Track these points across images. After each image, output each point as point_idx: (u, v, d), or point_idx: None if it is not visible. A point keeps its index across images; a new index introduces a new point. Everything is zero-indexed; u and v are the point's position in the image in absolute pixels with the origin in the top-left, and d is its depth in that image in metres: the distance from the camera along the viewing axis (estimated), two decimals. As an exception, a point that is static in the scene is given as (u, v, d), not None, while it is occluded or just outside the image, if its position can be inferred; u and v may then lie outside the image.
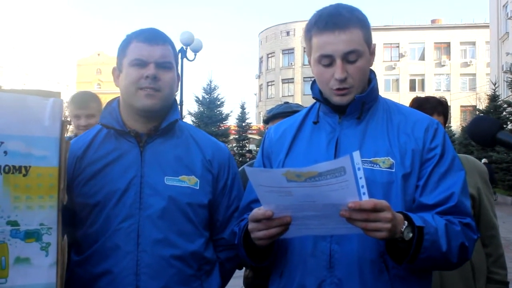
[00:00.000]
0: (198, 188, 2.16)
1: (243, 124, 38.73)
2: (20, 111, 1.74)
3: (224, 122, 35.92)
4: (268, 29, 66.96)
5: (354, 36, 1.91)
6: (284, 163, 2.05)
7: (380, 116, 2.02)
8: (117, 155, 2.14)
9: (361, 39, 1.93)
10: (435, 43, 55.87)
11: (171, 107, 2.22)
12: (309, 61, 2.06)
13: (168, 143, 2.19)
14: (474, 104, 42.58)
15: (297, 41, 63.15)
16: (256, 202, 2.06)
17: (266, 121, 3.38)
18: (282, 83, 64.34)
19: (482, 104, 30.84)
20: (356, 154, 1.58)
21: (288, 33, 64.35)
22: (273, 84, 65.51)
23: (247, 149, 36.97)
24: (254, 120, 59.92)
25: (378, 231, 1.65)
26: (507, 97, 27.02)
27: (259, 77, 69.52)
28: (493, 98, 25.58)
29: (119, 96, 2.25)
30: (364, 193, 1.60)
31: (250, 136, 39.01)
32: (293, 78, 63.45)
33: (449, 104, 3.37)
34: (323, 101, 2.04)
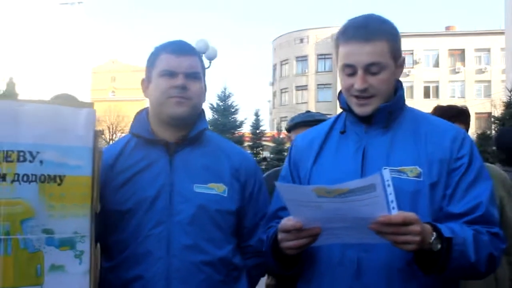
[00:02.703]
0: (226, 195, 2.20)
1: (257, 131, 38.71)
2: (55, 121, 1.79)
3: (238, 129, 35.96)
4: (282, 36, 67.07)
5: (378, 48, 1.92)
6: (311, 171, 2.07)
7: (407, 125, 2.03)
8: (147, 163, 2.19)
9: (386, 51, 1.94)
10: (449, 50, 55.60)
11: (199, 116, 2.27)
12: (338, 69, 2.08)
13: (197, 151, 2.24)
14: (489, 111, 42.31)
15: (311, 48, 63.21)
16: (283, 209, 2.08)
17: (289, 130, 3.42)
18: (296, 90, 64.37)
19: (498, 111, 30.59)
20: (386, 172, 1.62)
21: (301, 40, 64.42)
22: (287, 91, 65.55)
23: (262, 156, 36.96)
24: (268, 127, 59.90)
25: (407, 243, 1.66)
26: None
27: (272, 84, 69.57)
28: (509, 105, 25.34)
29: (147, 107, 2.31)
30: (393, 208, 1.62)
31: (264, 143, 38.98)
32: (306, 85, 63.46)
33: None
34: (350, 111, 2.05)
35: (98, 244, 1.86)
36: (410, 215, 1.65)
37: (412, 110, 2.11)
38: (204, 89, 2.27)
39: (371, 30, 1.93)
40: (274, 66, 68.54)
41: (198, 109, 2.26)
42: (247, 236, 2.31)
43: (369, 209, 1.62)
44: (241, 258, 2.28)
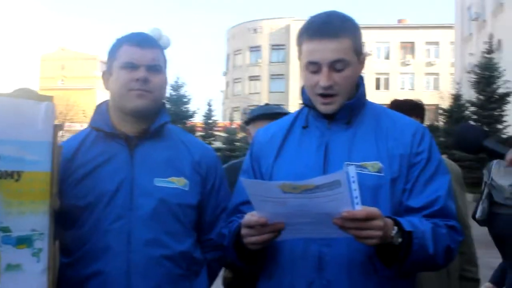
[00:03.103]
0: (187, 189, 2.19)
1: (209, 121, 38.65)
2: (13, 115, 1.73)
3: (190, 119, 35.79)
4: (236, 26, 66.94)
5: (342, 45, 1.93)
6: (273, 166, 2.07)
7: (368, 121, 2.05)
8: (106, 157, 2.15)
9: (350, 48, 1.95)
10: (400, 42, 56.67)
11: (160, 110, 2.24)
12: (300, 66, 2.08)
13: (158, 145, 2.21)
14: (437, 103, 43.44)
15: (264, 39, 63.29)
16: (244, 204, 2.08)
17: (247, 123, 3.39)
18: (249, 80, 64.41)
19: (446, 103, 31.37)
20: (352, 168, 1.64)
21: (255, 30, 64.43)
22: (240, 81, 65.55)
23: (214, 146, 36.95)
24: (220, 117, 59.87)
25: (370, 238, 1.69)
26: (469, 97, 27.59)
27: (225, 74, 69.42)
28: (457, 97, 26.08)
29: (108, 100, 2.26)
30: (357, 203, 1.64)
31: (216, 133, 38.95)
32: (259, 76, 63.58)
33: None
34: (312, 106, 2.06)
35: (57, 242, 1.81)
36: (373, 210, 1.68)
37: (373, 106, 2.13)
38: (165, 82, 2.24)
39: (335, 27, 1.93)
40: (228, 56, 68.39)
41: (160, 102, 2.22)
42: (207, 229, 2.30)
43: (334, 205, 1.63)
44: (201, 252, 2.27)
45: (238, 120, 44.74)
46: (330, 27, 1.93)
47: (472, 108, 25.05)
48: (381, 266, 1.87)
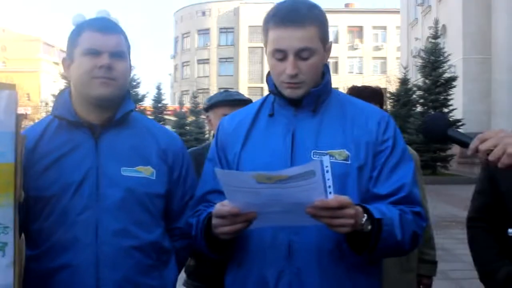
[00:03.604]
0: (154, 178, 2.15)
1: (159, 105, 38.20)
2: (-28, 105, 1.65)
3: (140, 103, 35.29)
4: (184, 8, 66.23)
5: (308, 34, 1.93)
6: (240, 155, 2.06)
7: (334, 109, 2.06)
8: (71, 146, 2.09)
9: (316, 36, 1.95)
10: (348, 26, 57.28)
11: (124, 97, 2.19)
12: (265, 52, 2.07)
13: (123, 133, 2.16)
14: (384, 87, 44.29)
15: (213, 22, 62.88)
16: (211, 193, 2.08)
17: (206, 109, 3.37)
18: (198, 63, 63.99)
19: (392, 87, 31.97)
20: (326, 158, 1.66)
21: (203, 13, 63.92)
22: (189, 65, 65.06)
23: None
24: (169, 100, 59.31)
25: (342, 226, 1.71)
26: (416, 81, 28.17)
27: (174, 57, 68.71)
28: (404, 81, 26.58)
29: (69, 87, 2.19)
30: (330, 193, 1.66)
31: (166, 117, 38.55)
32: (208, 59, 63.25)
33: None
34: (278, 94, 2.05)
35: (23, 235, 1.75)
36: (345, 199, 1.70)
37: (338, 94, 2.14)
38: (129, 69, 2.18)
39: (302, 15, 1.93)
40: (176, 39, 67.67)
41: (124, 89, 2.16)
42: (175, 218, 2.28)
43: (307, 194, 1.64)
44: (169, 241, 2.24)
45: (187, 104, 44.44)
46: (296, 14, 1.92)
47: (419, 92, 25.58)
48: (349, 253, 1.90)
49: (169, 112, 40.40)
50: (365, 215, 1.79)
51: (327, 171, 1.63)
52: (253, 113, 2.14)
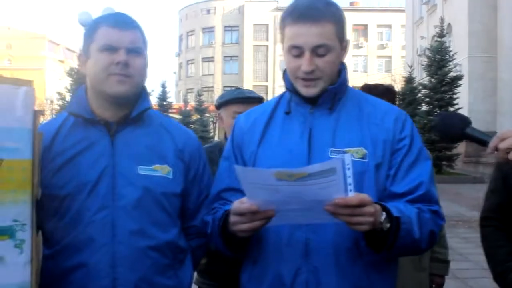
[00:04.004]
0: (171, 177, 2.12)
1: (164, 103, 38.25)
2: (-10, 100, 1.64)
3: (144, 101, 35.32)
4: (188, 6, 66.19)
5: (325, 30, 1.92)
6: (257, 153, 2.05)
7: (350, 107, 2.05)
8: (86, 144, 2.06)
9: (333, 34, 1.94)
10: (353, 25, 57.15)
11: (141, 94, 2.16)
12: (282, 49, 2.06)
13: (139, 131, 2.13)
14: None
15: (218, 20, 62.85)
16: (226, 191, 2.07)
17: (218, 107, 3.36)
18: (202, 61, 63.98)
19: (398, 86, 31.89)
20: (347, 156, 1.65)
21: (208, 11, 63.88)
22: (193, 63, 65.05)
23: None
24: (174, 99, 59.35)
25: (361, 224, 1.70)
26: (421, 79, 28.11)
27: (179, 55, 68.70)
28: (409, 80, 26.52)
29: (84, 84, 2.16)
30: (351, 190, 1.65)
31: (171, 115, 38.60)
32: (213, 57, 63.23)
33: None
34: (294, 92, 2.04)
35: (40, 232, 1.74)
36: (365, 196, 1.69)
37: (354, 92, 2.13)
38: (146, 65, 2.14)
39: (319, 11, 1.91)
40: (181, 37, 67.67)
41: (141, 87, 2.13)
42: (190, 217, 2.25)
43: (327, 192, 1.63)
44: (185, 239, 2.22)
45: (192, 102, 44.46)
46: (314, 11, 1.91)
47: (424, 91, 25.54)
48: (367, 251, 1.89)
49: (174, 110, 40.48)
50: (384, 213, 1.78)
51: (348, 169, 1.63)
52: (269, 111, 2.12)
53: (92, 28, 2.09)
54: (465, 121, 1.85)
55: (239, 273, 2.12)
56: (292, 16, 1.94)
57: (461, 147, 24.20)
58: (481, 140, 1.80)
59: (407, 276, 3.06)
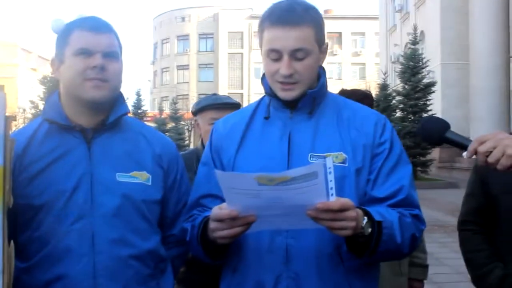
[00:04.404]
0: (150, 184, 2.06)
1: (139, 111, 38.01)
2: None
3: (119, 109, 35.08)
4: (163, 14, 66.12)
5: (304, 34, 1.90)
6: (236, 158, 2.02)
7: (330, 111, 2.03)
8: (62, 151, 1.99)
9: (312, 37, 1.92)
10: (327, 32, 57.22)
11: (117, 100, 2.10)
12: (261, 53, 2.03)
13: (116, 137, 2.07)
14: (364, 92, 44.56)
15: (193, 27, 62.86)
16: (205, 197, 2.03)
17: (195, 113, 3.33)
18: (177, 69, 63.86)
19: (372, 93, 32.09)
20: (329, 160, 1.63)
21: (183, 19, 63.88)
22: (168, 71, 64.91)
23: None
24: (149, 107, 59.04)
25: (343, 229, 1.68)
26: (395, 86, 28.37)
27: (153, 63, 68.45)
28: (383, 87, 26.74)
29: (58, 89, 2.10)
30: (332, 195, 1.63)
31: (146, 123, 38.34)
32: (188, 65, 63.20)
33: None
34: (274, 96, 2.02)
35: (12, 242, 1.67)
36: (347, 201, 1.67)
37: (334, 96, 2.12)
38: (122, 70, 2.08)
39: (297, 15, 1.90)
40: (155, 44, 67.47)
41: (117, 91, 2.08)
42: (169, 225, 2.20)
43: (308, 196, 1.61)
44: (165, 248, 2.16)
45: (167, 110, 44.28)
46: (292, 15, 1.89)
47: (398, 97, 25.76)
48: (347, 256, 1.87)
49: (148, 118, 40.30)
50: (365, 217, 1.76)
51: (330, 173, 1.60)
52: (248, 116, 2.10)
53: (66, 31, 2.03)
54: (445, 125, 1.86)
55: (218, 281, 2.09)
56: (271, 19, 1.92)
57: (435, 153, 24.45)
58: (460, 144, 1.80)
59: (386, 281, 3.05)
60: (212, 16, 62.27)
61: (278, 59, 1.92)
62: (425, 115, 23.87)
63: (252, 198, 1.63)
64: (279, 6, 1.94)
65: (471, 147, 1.73)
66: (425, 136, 1.92)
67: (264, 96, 2.12)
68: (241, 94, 57.04)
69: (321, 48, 1.99)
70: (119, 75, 2.06)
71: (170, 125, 38.46)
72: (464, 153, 1.78)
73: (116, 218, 1.97)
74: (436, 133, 1.85)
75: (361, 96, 3.32)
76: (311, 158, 1.91)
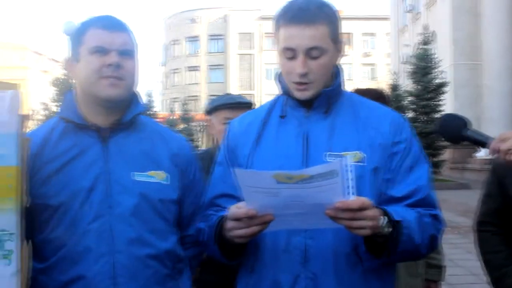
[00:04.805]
0: (168, 183, 2.05)
1: (150, 112, 38.14)
2: (-27, 105, 1.57)
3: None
4: (173, 16, 66.29)
5: (319, 32, 1.88)
6: (251, 157, 2.00)
7: (346, 110, 2.01)
8: (78, 151, 1.98)
9: (327, 36, 1.90)
10: (338, 33, 57.43)
11: (133, 98, 2.09)
12: (277, 51, 2.02)
13: (132, 137, 2.05)
14: (374, 93, 44.50)
15: (202, 29, 62.99)
16: (221, 197, 2.02)
17: (208, 113, 3.31)
18: (188, 70, 64.00)
19: (383, 93, 31.95)
20: (348, 158, 1.62)
21: (193, 20, 64.04)
22: (178, 72, 65.05)
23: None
24: (160, 108, 59.22)
25: (362, 228, 1.65)
26: (406, 86, 28.25)
27: (164, 64, 68.64)
28: (395, 87, 26.66)
29: (74, 89, 2.09)
30: (352, 193, 1.60)
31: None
32: (198, 66, 63.33)
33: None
34: (289, 95, 2.00)
35: (30, 242, 1.66)
36: (366, 200, 1.65)
37: (350, 95, 2.10)
38: (137, 68, 2.07)
39: (312, 13, 1.88)
40: (165, 46, 67.63)
41: (132, 90, 2.06)
42: (185, 225, 2.18)
43: (327, 195, 1.59)
44: (182, 248, 2.14)
45: (178, 111, 44.40)
46: (307, 13, 1.87)
47: (410, 98, 25.67)
48: (366, 257, 1.85)
49: (159, 120, 40.42)
50: (384, 217, 1.73)
51: (349, 171, 1.58)
52: (264, 115, 2.08)
53: (80, 30, 2.02)
54: (464, 122, 1.83)
55: (232, 281, 2.07)
56: (285, 17, 1.90)
57: (447, 154, 24.31)
58: (480, 142, 1.78)
59: (402, 282, 3.02)
60: (222, 17, 62.38)
61: (293, 57, 1.90)
62: (436, 115, 23.78)
63: (270, 197, 1.61)
64: (294, 4, 1.92)
65: (493, 145, 1.71)
66: (444, 133, 1.89)
67: (279, 95, 2.10)
68: (252, 95, 57.02)
69: (337, 46, 1.97)
70: (135, 73, 2.05)
71: (181, 126, 38.59)
72: (477, 153, 1.76)
73: (133, 218, 1.95)
74: (456, 131, 1.83)
75: (376, 95, 3.28)
76: (328, 158, 1.89)
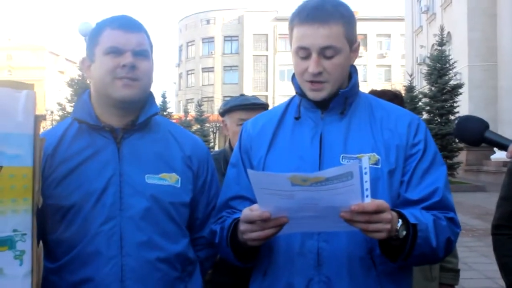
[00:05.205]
0: (179, 186, 2.04)
1: (164, 113, 38.25)
2: (-10, 105, 1.56)
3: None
4: (188, 17, 66.45)
5: (333, 32, 1.85)
6: (266, 159, 1.98)
7: (362, 112, 1.99)
8: (91, 152, 1.97)
9: (341, 35, 1.88)
10: (352, 34, 57.26)
11: (147, 99, 2.08)
12: (291, 51, 2.00)
13: (146, 138, 2.04)
14: (389, 94, 44.28)
15: (217, 30, 63.04)
16: (234, 199, 2.00)
17: (222, 114, 3.30)
18: (202, 72, 64.09)
19: (398, 95, 31.77)
20: (365, 160, 1.58)
21: (208, 21, 64.12)
22: (193, 73, 65.17)
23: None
24: (175, 109, 59.40)
25: (378, 231, 1.63)
26: (422, 88, 28.09)
27: (178, 65, 68.81)
28: (410, 89, 26.49)
29: (89, 89, 2.08)
30: (367, 196, 1.57)
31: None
32: (213, 67, 63.38)
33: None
34: (304, 96, 1.98)
35: (41, 243, 1.66)
36: (382, 203, 1.62)
37: (366, 96, 2.07)
38: (152, 69, 2.05)
39: (327, 12, 1.85)
40: (180, 47, 67.82)
41: (147, 91, 2.05)
42: (199, 227, 2.17)
43: (343, 198, 1.56)
44: (193, 251, 2.13)
45: (192, 112, 44.49)
46: (321, 12, 1.85)
47: (425, 100, 25.50)
48: (380, 260, 1.83)
49: (174, 121, 40.50)
50: (400, 220, 1.71)
51: (366, 173, 1.56)
52: (278, 116, 2.06)
53: (96, 31, 2.02)
54: (484, 124, 1.80)
55: (245, 283, 2.06)
56: (300, 17, 1.88)
57: (462, 156, 24.12)
58: (500, 144, 1.76)
59: (417, 286, 2.99)
60: (237, 19, 62.41)
61: (306, 57, 1.88)
62: (452, 117, 23.60)
63: (284, 199, 1.58)
64: (308, 3, 1.91)
65: (510, 148, 1.68)
66: (463, 135, 1.86)
67: (294, 96, 2.08)
68: (266, 97, 57.00)
69: (352, 46, 1.94)
70: (150, 74, 2.04)
71: (195, 127, 38.65)
72: (493, 156, 1.74)
73: (144, 221, 1.94)
74: (476, 133, 1.80)
75: (391, 97, 3.26)
76: (343, 160, 1.87)
